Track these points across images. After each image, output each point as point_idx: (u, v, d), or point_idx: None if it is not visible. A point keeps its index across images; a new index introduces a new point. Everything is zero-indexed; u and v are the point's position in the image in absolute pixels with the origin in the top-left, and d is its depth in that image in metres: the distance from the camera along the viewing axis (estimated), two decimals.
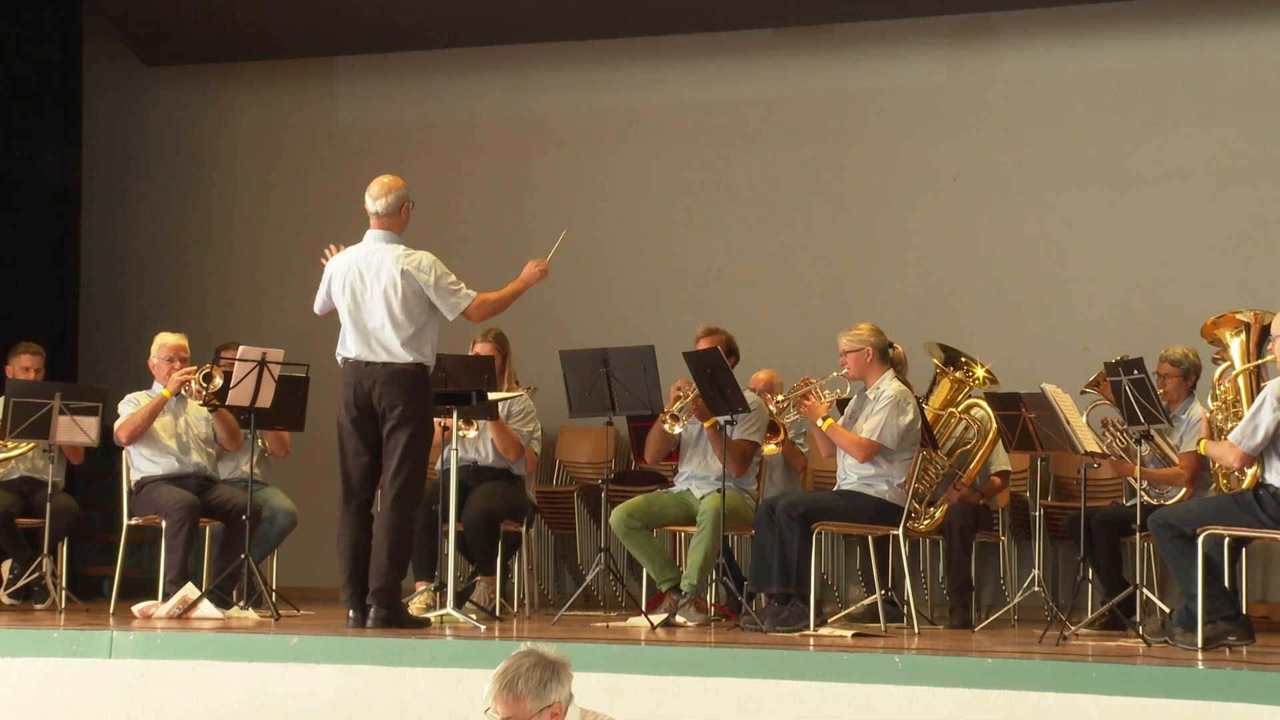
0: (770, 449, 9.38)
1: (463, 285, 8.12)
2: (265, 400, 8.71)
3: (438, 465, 9.00)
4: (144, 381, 9.38)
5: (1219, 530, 7.49)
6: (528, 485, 9.69)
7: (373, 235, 8.18)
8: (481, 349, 9.33)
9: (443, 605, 8.40)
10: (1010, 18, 11.43)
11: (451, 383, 8.73)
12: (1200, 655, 7.22)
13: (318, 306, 8.28)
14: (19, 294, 11.50)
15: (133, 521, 9.21)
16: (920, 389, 9.29)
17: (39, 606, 9.38)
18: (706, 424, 8.99)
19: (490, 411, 8.98)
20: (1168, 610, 8.25)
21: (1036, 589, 9.01)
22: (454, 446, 8.55)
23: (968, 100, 11.60)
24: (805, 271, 11.68)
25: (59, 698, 7.50)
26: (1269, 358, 7.75)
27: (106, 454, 9.75)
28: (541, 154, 12.26)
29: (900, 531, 8.58)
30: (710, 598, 9.04)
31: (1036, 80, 11.46)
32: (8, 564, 9.64)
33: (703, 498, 8.99)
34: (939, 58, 11.67)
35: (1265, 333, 7.88)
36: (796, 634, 8.15)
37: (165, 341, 9.34)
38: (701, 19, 11.88)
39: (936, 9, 11.49)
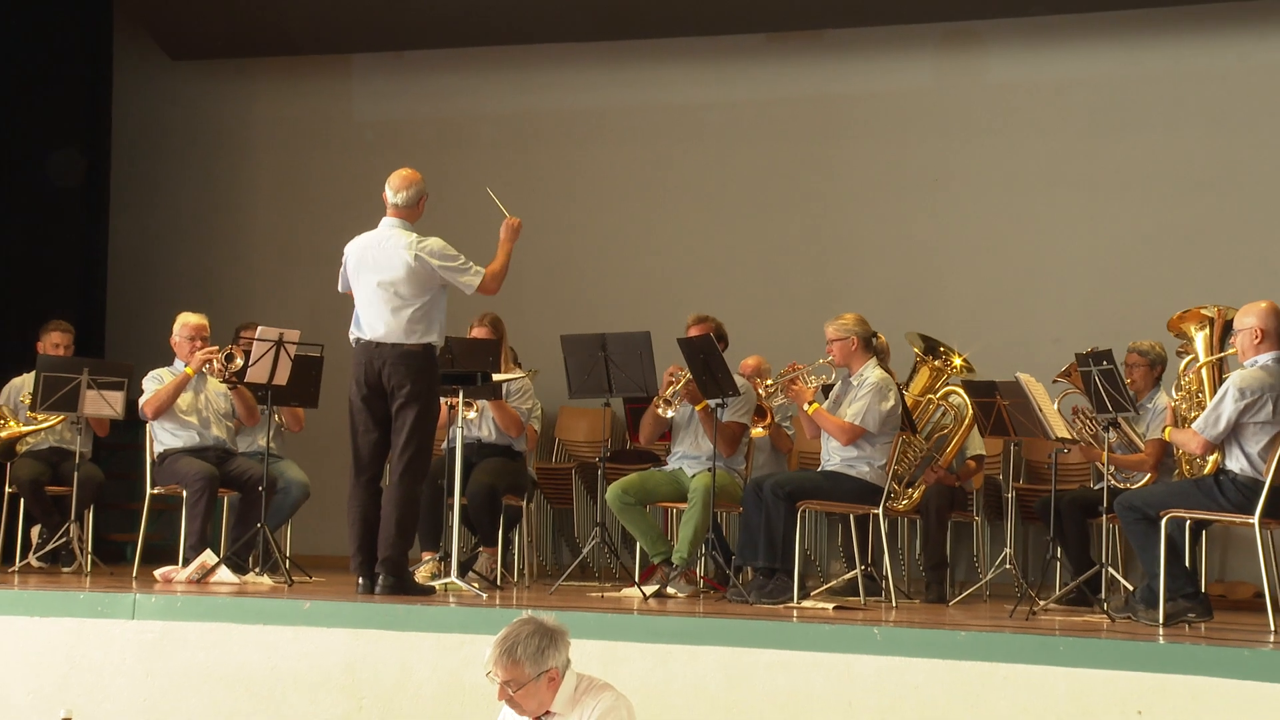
0: (758, 431, 9.39)
1: (472, 264, 8.13)
2: (282, 378, 8.72)
3: (444, 442, 9.00)
4: (167, 358, 9.38)
5: (1181, 513, 7.49)
6: (528, 462, 9.69)
7: (388, 222, 8.18)
8: (479, 332, 9.32)
9: (447, 574, 8.41)
10: (993, 26, 11.43)
11: (458, 364, 8.72)
12: (1161, 630, 7.23)
13: (340, 286, 8.29)
14: (51, 275, 11.49)
15: (155, 491, 9.21)
16: (901, 376, 9.28)
17: (66, 570, 9.38)
18: (698, 407, 8.99)
19: (495, 391, 8.98)
20: (1131, 588, 8.25)
21: (1008, 567, 9.01)
22: (459, 425, 8.56)
23: (950, 105, 11.61)
24: (794, 263, 11.68)
25: (84, 656, 7.51)
26: (1231, 351, 7.75)
27: (131, 427, 9.75)
28: (544, 149, 12.26)
29: (880, 511, 8.58)
30: (700, 571, 9.05)
31: (1016, 87, 11.47)
32: (37, 529, 9.64)
33: (694, 476, 8.99)
34: (926, 64, 11.67)
35: (1228, 327, 7.88)
36: (781, 606, 8.15)
37: (187, 321, 9.35)
38: (698, 23, 11.87)
39: (924, 17, 11.48)
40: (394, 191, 8.18)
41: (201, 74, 12.77)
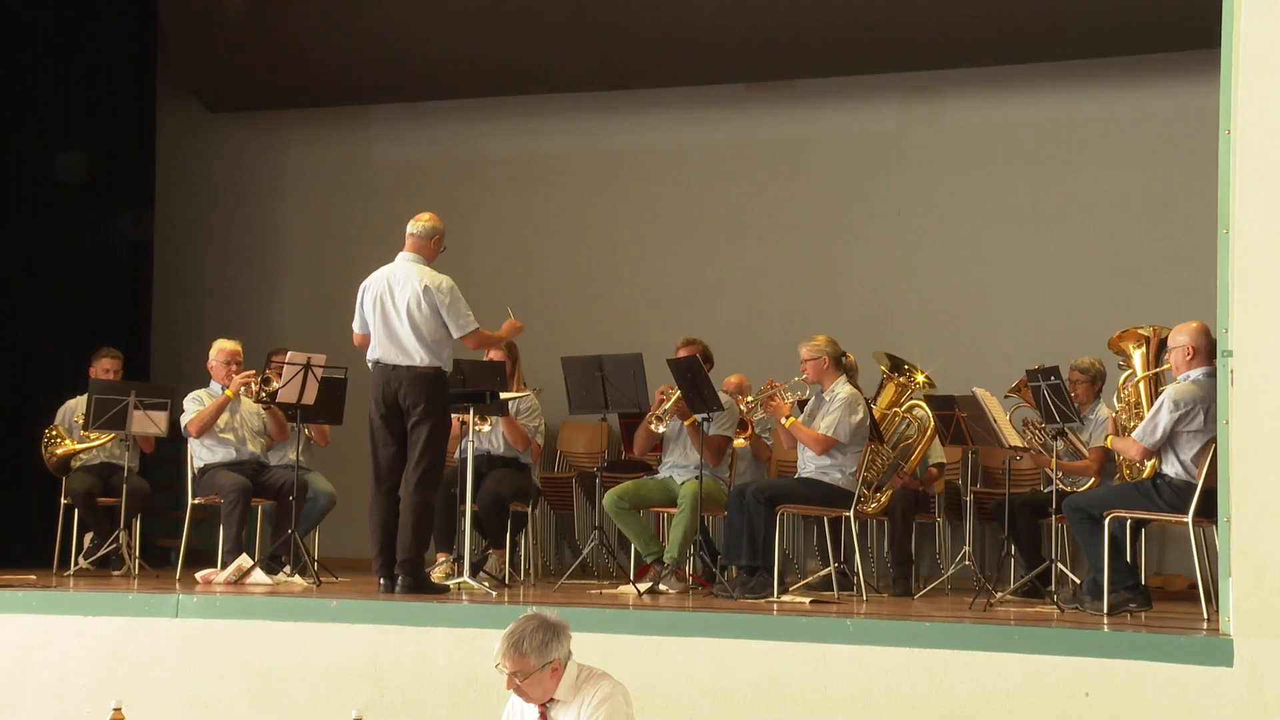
0: (740, 442, 9.38)
1: (470, 315, 8.10)
2: (310, 398, 8.70)
3: (456, 454, 8.98)
4: (205, 381, 9.37)
5: (1122, 513, 7.50)
6: (533, 472, 9.67)
7: (404, 256, 8.17)
8: (495, 355, 9.31)
9: (460, 574, 8.38)
10: (949, 77, 11.47)
11: (470, 384, 8.71)
12: (1105, 620, 7.23)
13: (356, 326, 8.23)
14: (101, 306, 11.47)
15: (196, 501, 9.20)
16: (869, 391, 9.28)
17: (116, 573, 9.35)
18: (687, 422, 8.98)
19: (502, 409, 8.97)
20: (1078, 581, 8.24)
21: (967, 563, 9.00)
22: (470, 439, 8.54)
23: (911, 146, 11.63)
24: (771, 290, 11.68)
25: (133, 651, 7.50)
26: (1165, 366, 7.76)
27: (174, 442, 9.73)
28: (546, 189, 12.26)
29: (851, 513, 8.57)
30: (689, 569, 9.02)
31: (970, 130, 11.50)
32: (89, 536, 9.61)
33: (683, 483, 8.98)
34: (889, 110, 11.70)
35: (1163, 345, 7.88)
36: (762, 600, 8.13)
37: (222, 347, 9.35)
38: (684, 74, 11.89)
39: (887, 68, 11.51)
40: (414, 223, 8.19)
41: (237, 124, 12.78)
